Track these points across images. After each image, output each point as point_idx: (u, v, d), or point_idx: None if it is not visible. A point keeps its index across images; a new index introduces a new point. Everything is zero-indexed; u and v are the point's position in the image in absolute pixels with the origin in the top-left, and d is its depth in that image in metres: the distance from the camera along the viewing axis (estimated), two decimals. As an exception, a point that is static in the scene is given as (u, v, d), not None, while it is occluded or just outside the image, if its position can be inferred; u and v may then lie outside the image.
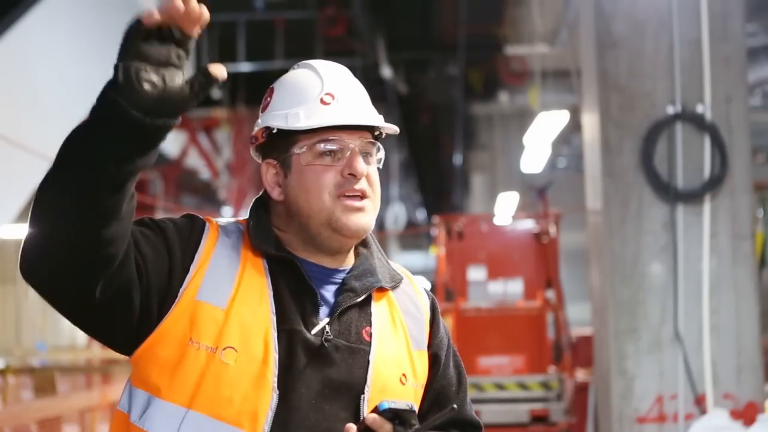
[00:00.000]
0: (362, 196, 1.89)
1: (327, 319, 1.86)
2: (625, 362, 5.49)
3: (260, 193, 2.00)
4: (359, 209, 1.88)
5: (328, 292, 1.90)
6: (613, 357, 5.51)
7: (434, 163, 19.89)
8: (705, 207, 5.49)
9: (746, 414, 5.30)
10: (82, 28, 9.22)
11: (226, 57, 12.96)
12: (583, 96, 6.19)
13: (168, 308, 1.81)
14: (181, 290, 1.81)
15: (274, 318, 1.83)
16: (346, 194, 1.87)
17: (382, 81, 13.25)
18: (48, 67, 8.47)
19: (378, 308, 1.94)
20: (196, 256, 1.84)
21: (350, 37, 12.61)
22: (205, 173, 17.68)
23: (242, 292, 1.84)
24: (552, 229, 8.91)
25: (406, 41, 13.60)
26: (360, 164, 1.88)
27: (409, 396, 1.91)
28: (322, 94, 1.90)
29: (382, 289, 1.96)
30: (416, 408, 1.78)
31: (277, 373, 1.80)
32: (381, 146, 1.95)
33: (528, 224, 9.27)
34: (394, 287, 1.98)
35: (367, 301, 1.93)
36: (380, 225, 20.10)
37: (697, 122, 5.51)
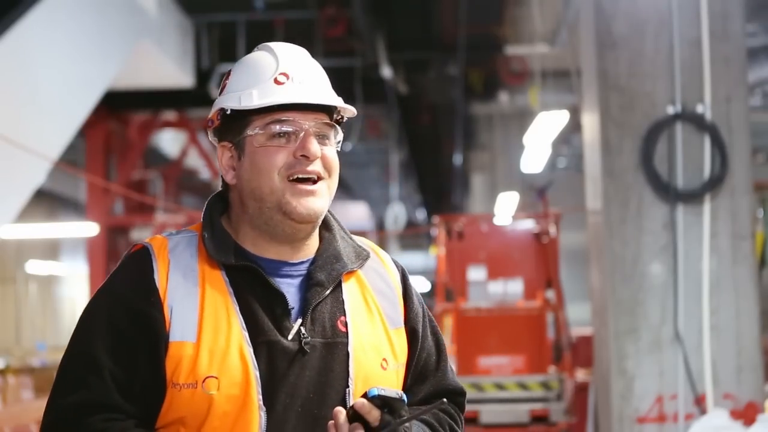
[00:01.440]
0: (316, 179, 1.83)
1: (300, 320, 1.81)
2: (625, 362, 5.49)
3: (219, 187, 1.94)
4: (310, 192, 1.82)
5: (295, 288, 1.85)
6: (613, 357, 5.51)
7: (434, 163, 19.86)
8: (705, 207, 5.49)
9: (746, 414, 5.30)
10: (82, 28, 9.21)
11: (226, 57, 12.96)
12: (583, 96, 6.18)
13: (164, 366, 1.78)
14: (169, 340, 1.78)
15: (246, 334, 1.77)
16: (298, 176, 1.81)
17: (382, 81, 13.23)
18: (48, 67, 8.46)
19: (349, 292, 1.89)
20: (160, 298, 1.78)
21: (350, 37, 12.60)
22: (205, 173, 17.68)
23: (208, 316, 1.78)
24: (552, 229, 8.91)
25: (406, 41, 13.59)
26: (312, 145, 1.81)
27: (392, 379, 1.87)
28: (277, 74, 1.85)
29: (350, 271, 1.90)
30: (405, 397, 1.74)
31: (260, 390, 1.76)
32: (339, 129, 1.89)
33: (528, 224, 9.27)
34: (361, 266, 1.92)
35: (338, 287, 1.88)
36: (380, 225, 20.10)
37: (697, 122, 5.51)
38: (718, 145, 5.49)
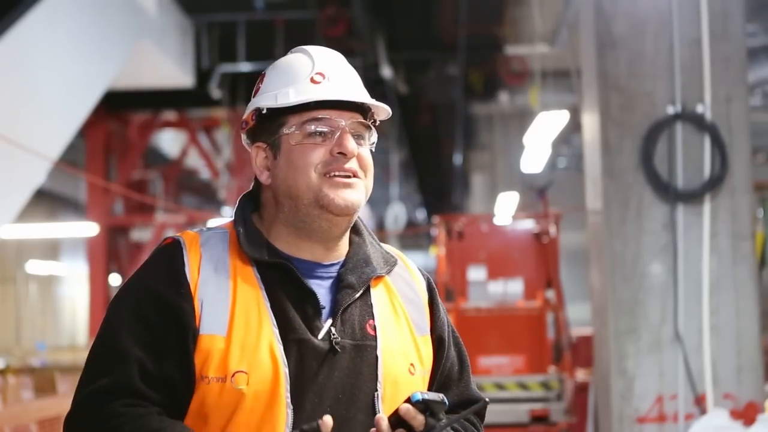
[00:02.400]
0: (352, 176, 1.83)
1: (330, 321, 1.81)
2: (625, 362, 5.49)
3: (251, 186, 1.95)
4: (348, 185, 1.82)
5: (326, 289, 1.85)
6: (613, 357, 5.51)
7: (434, 163, 19.87)
8: (705, 207, 5.49)
9: (746, 414, 5.30)
10: (82, 28, 9.21)
11: (226, 57, 12.96)
12: (583, 96, 6.18)
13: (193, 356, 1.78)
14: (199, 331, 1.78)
15: (277, 331, 1.78)
16: (335, 173, 1.82)
17: (382, 81, 13.23)
18: (48, 67, 8.46)
19: (378, 297, 1.90)
20: (191, 291, 1.79)
21: (350, 37, 12.60)
22: (205, 173, 17.68)
23: (239, 311, 1.78)
24: (552, 229, 8.91)
25: (406, 41, 13.59)
26: (350, 142, 1.82)
27: (418, 385, 1.88)
28: (313, 73, 1.86)
29: (378, 276, 1.91)
30: (447, 401, 1.75)
31: (289, 387, 1.75)
32: (374, 129, 1.90)
33: (528, 224, 9.27)
34: (389, 271, 1.93)
35: (366, 292, 1.88)
36: (380, 225, 20.09)
37: (697, 122, 5.51)
38: (718, 145, 5.49)
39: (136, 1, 10.87)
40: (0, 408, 7.57)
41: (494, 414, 8.16)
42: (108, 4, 10.01)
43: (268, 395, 1.74)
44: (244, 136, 1.93)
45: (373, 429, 1.73)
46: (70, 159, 13.71)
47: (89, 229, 14.37)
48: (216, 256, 1.83)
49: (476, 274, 8.92)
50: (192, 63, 12.81)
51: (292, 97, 1.83)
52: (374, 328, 1.85)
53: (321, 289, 1.85)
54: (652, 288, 5.51)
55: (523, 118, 14.82)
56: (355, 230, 1.93)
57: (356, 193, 1.83)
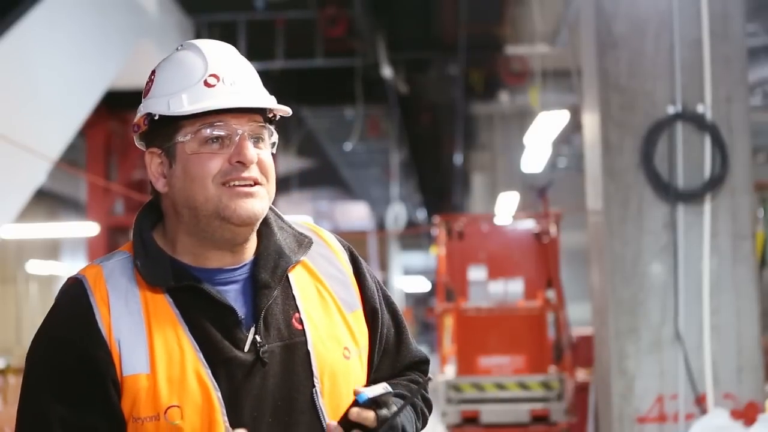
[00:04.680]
0: (253, 184, 1.75)
1: (253, 329, 1.75)
2: (625, 362, 5.49)
3: (150, 196, 1.86)
4: (249, 194, 1.73)
5: (242, 293, 1.78)
6: (613, 357, 5.51)
7: (434, 163, 19.86)
8: (705, 207, 5.49)
9: (746, 414, 5.30)
10: (82, 28, 9.21)
11: (226, 57, 12.94)
12: (583, 96, 6.18)
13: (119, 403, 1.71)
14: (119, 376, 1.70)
15: (201, 355, 1.70)
16: (235, 183, 1.73)
17: (382, 81, 13.23)
18: (48, 67, 8.46)
19: (299, 284, 1.83)
20: (104, 334, 1.70)
21: (350, 37, 12.60)
22: (205, 173, 17.66)
23: (158, 343, 1.70)
24: (552, 229, 8.91)
25: (406, 41, 13.59)
26: (249, 151, 1.73)
27: (355, 366, 1.83)
28: (206, 75, 1.74)
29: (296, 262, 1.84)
30: (390, 388, 1.72)
31: (224, 411, 1.69)
32: (273, 129, 1.82)
33: (528, 224, 9.27)
34: (305, 253, 1.85)
35: (286, 283, 1.81)
36: (380, 225, 20.08)
37: (698, 122, 5.51)
38: (719, 145, 5.49)
39: (136, 0, 10.87)
40: (0, 408, 7.56)
41: (495, 414, 8.16)
42: (108, 4, 10.01)
43: (207, 423, 1.69)
44: (136, 139, 1.83)
45: None
46: (70, 159, 13.71)
47: (89, 229, 14.36)
48: (123, 288, 1.74)
49: (476, 274, 8.92)
50: (192, 62, 12.78)
51: (185, 104, 1.72)
52: (300, 321, 1.79)
53: (237, 294, 1.77)
54: (652, 288, 5.51)
55: (524, 118, 14.82)
56: (262, 219, 1.82)
57: (259, 202, 1.75)
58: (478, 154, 19.28)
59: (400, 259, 33.17)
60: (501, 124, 17.70)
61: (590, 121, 5.95)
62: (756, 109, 10.23)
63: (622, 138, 5.58)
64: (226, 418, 1.69)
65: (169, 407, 1.68)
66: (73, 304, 1.73)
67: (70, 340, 1.70)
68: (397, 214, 18.60)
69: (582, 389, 8.68)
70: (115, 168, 14.80)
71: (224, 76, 1.76)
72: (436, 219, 9.78)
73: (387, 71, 13.14)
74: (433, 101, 15.94)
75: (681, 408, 5.43)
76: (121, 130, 14.77)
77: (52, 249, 20.72)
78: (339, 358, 1.80)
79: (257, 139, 1.77)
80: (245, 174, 1.74)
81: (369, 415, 1.69)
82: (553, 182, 9.96)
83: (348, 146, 17.02)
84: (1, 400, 7.91)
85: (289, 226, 1.89)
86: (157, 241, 1.80)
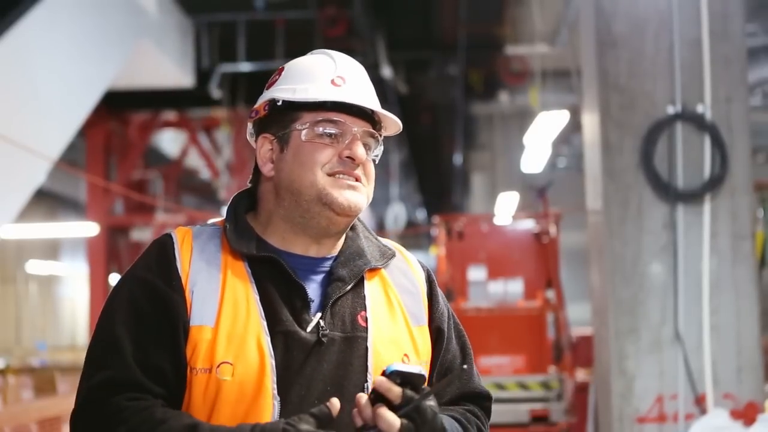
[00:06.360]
0: (357, 180, 1.85)
1: (319, 314, 1.82)
2: (625, 362, 5.49)
3: (248, 180, 1.96)
4: (352, 187, 1.84)
5: (317, 283, 1.86)
6: (613, 357, 5.51)
7: (434, 163, 19.88)
8: (705, 207, 5.49)
9: (746, 414, 5.30)
10: (82, 28, 9.21)
11: (226, 57, 12.96)
12: (583, 96, 6.18)
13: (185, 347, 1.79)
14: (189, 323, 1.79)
15: (265, 323, 1.78)
16: (341, 175, 1.84)
17: (382, 81, 13.23)
18: (48, 67, 8.46)
19: (371, 289, 1.90)
20: (182, 281, 1.81)
21: (350, 37, 12.60)
22: (205, 173, 17.68)
23: (228, 302, 1.79)
24: (552, 229, 8.91)
25: (406, 41, 13.60)
26: (360, 149, 1.85)
27: None
28: (334, 75, 1.88)
29: (374, 269, 1.91)
30: (425, 372, 1.74)
31: (275, 379, 1.75)
32: (381, 142, 1.93)
33: (528, 224, 9.27)
34: (385, 264, 1.93)
35: (360, 284, 1.88)
36: (380, 225, 20.09)
37: (697, 122, 5.51)
38: (718, 145, 5.49)
39: (136, 0, 10.87)
40: (0, 408, 7.57)
41: (494, 414, 8.12)
42: (108, 4, 10.01)
43: (254, 386, 1.75)
44: (249, 126, 1.94)
45: (356, 409, 1.71)
46: (70, 159, 13.71)
47: (89, 229, 14.37)
48: (208, 250, 1.85)
49: (476, 274, 8.92)
50: (192, 63, 12.80)
51: (311, 93, 1.84)
52: (366, 320, 1.85)
53: (312, 283, 1.85)
54: (652, 288, 5.51)
55: (523, 118, 14.83)
56: (350, 226, 1.93)
57: (360, 195, 1.85)
58: (477, 154, 19.29)
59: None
60: (501, 124, 17.72)
61: (590, 121, 5.96)
62: (756, 109, 10.25)
63: (621, 138, 5.59)
64: (275, 386, 1.75)
65: (222, 363, 1.75)
66: (160, 252, 1.84)
67: (152, 282, 1.80)
68: (396, 214, 18.60)
69: (582, 389, 8.68)
70: (115, 168, 14.80)
71: (350, 79, 1.88)
72: (436, 219, 9.78)
73: (387, 71, 13.14)
74: (433, 101, 15.94)
75: (681, 408, 5.43)
76: (121, 130, 14.78)
77: (51, 249, 20.73)
78: (397, 361, 1.83)
79: (366, 146, 1.88)
80: (353, 170, 1.84)
81: (394, 389, 1.68)
82: (553, 182, 9.95)
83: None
84: (1, 400, 7.92)
85: (375, 238, 1.99)
86: (249, 222, 1.91)
